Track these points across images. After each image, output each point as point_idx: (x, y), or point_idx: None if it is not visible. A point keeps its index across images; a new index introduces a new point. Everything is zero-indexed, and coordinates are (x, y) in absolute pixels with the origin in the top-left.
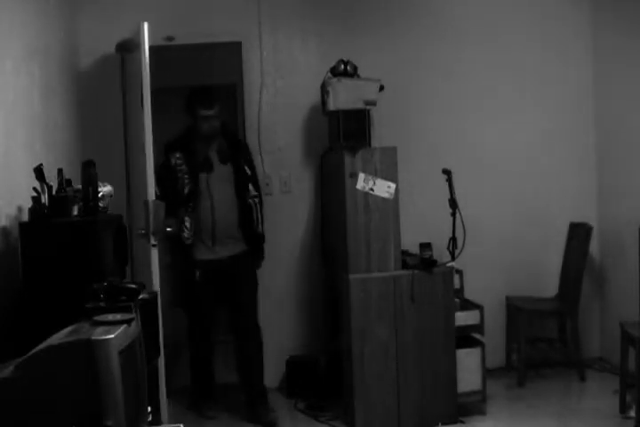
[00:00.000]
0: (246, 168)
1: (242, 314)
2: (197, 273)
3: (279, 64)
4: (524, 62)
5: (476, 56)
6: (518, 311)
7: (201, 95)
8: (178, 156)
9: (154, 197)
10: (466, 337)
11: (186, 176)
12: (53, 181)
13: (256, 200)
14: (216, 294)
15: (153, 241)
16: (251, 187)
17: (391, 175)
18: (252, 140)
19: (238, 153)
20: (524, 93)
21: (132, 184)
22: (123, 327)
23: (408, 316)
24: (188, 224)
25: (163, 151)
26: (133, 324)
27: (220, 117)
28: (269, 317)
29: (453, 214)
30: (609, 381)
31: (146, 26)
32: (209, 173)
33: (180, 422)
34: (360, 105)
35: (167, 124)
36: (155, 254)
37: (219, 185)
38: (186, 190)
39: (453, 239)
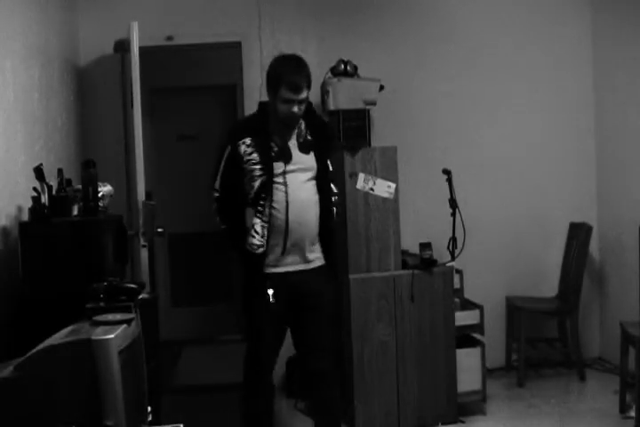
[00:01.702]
0: (328, 162)
1: (313, 355)
2: (270, 293)
3: None
4: (524, 63)
5: (476, 57)
6: (518, 311)
7: (291, 73)
8: (248, 142)
9: (144, 197)
10: (466, 337)
11: (257, 167)
12: (53, 181)
13: (336, 201)
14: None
15: (142, 242)
16: (332, 186)
17: (391, 175)
18: None
19: (323, 141)
20: (525, 94)
21: (132, 184)
22: (123, 327)
23: (408, 316)
24: (259, 228)
25: (227, 139)
26: (133, 324)
27: (306, 102)
28: None
29: (453, 214)
30: (609, 381)
31: (136, 25)
32: (286, 162)
33: (179, 423)
34: (360, 105)
35: (166, 124)
36: (145, 255)
37: (297, 178)
38: (256, 184)
39: (453, 239)
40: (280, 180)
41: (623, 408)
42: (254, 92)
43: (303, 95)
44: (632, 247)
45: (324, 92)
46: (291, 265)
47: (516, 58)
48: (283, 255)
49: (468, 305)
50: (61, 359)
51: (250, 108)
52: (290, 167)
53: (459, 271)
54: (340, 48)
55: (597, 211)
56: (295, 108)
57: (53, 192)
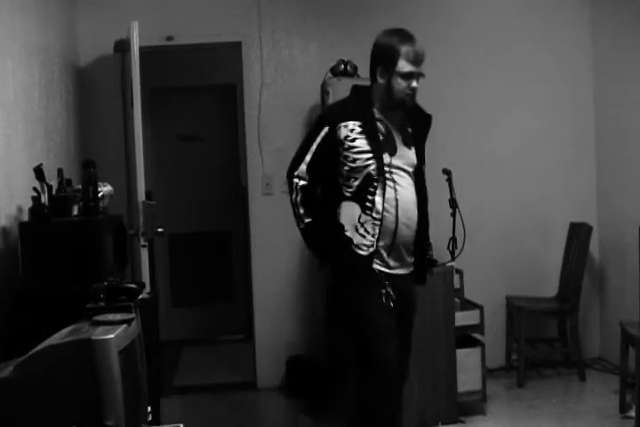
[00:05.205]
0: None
1: (399, 372)
2: (386, 291)
3: (279, 64)
4: (524, 63)
5: (477, 57)
6: (518, 311)
7: (408, 42)
8: (352, 126)
9: (144, 197)
10: (466, 337)
11: (366, 156)
12: (53, 181)
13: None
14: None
15: (142, 242)
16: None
17: None
18: (251, 140)
19: (424, 135)
20: (524, 93)
21: (132, 184)
22: (123, 327)
23: None
24: (369, 227)
25: (324, 119)
26: (133, 324)
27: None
28: (269, 316)
29: (453, 214)
30: (609, 381)
31: (136, 25)
32: (392, 155)
33: (179, 423)
34: None
35: (166, 124)
36: (145, 255)
37: (402, 174)
38: (361, 176)
39: (453, 239)
40: (388, 174)
41: (623, 408)
42: (254, 92)
43: (422, 67)
44: (632, 247)
45: (324, 92)
46: (395, 269)
47: (516, 58)
48: (387, 258)
49: (467, 305)
50: (61, 359)
51: (250, 107)
52: (395, 161)
53: (459, 271)
54: (340, 48)
55: (597, 211)
56: (415, 83)
57: (53, 192)
